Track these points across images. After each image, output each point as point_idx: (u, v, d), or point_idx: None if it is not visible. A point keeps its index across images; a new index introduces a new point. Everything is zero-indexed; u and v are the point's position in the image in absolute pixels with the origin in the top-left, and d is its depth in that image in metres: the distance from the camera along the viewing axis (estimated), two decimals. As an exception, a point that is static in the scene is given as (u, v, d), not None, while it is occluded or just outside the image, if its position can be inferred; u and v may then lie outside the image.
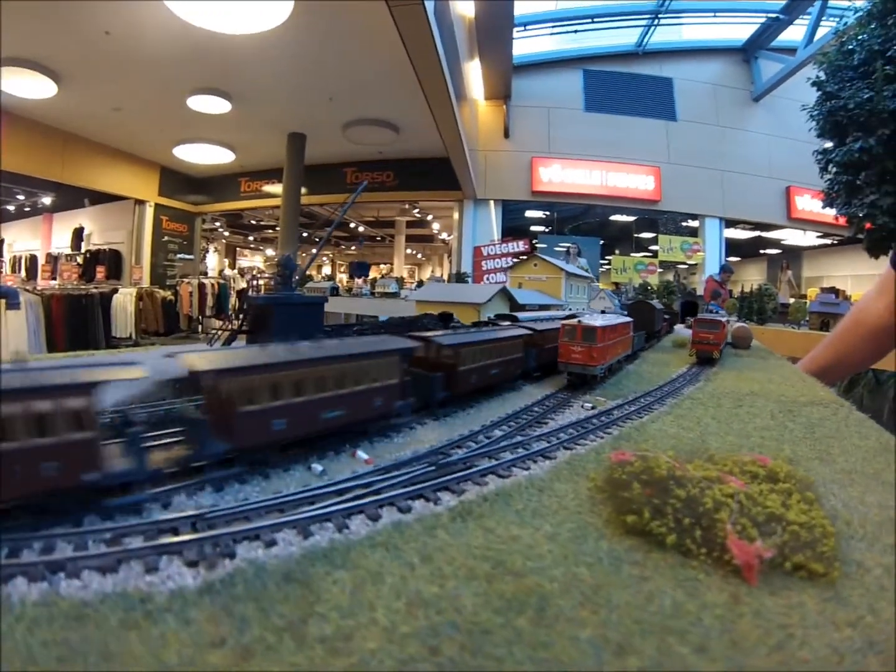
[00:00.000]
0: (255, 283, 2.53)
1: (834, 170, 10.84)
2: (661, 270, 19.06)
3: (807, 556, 0.87)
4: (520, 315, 3.31)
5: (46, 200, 17.93)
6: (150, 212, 18.09)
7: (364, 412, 1.42)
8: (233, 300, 17.16)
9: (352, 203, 2.95)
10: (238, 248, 32.41)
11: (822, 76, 10.63)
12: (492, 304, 4.62)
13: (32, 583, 0.73)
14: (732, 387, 2.66)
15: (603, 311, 4.50)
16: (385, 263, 30.05)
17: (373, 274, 28.15)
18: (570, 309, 6.49)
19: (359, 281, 21.27)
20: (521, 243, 14.89)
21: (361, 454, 1.31)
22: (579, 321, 2.28)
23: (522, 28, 16.72)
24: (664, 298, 10.28)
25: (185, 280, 14.13)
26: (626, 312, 6.48)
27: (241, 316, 2.60)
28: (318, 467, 1.22)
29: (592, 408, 1.97)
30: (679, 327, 6.74)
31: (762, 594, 0.80)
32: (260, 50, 9.78)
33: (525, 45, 17.58)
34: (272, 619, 0.67)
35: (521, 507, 1.04)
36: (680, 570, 0.86)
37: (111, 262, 16.59)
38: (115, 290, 11.88)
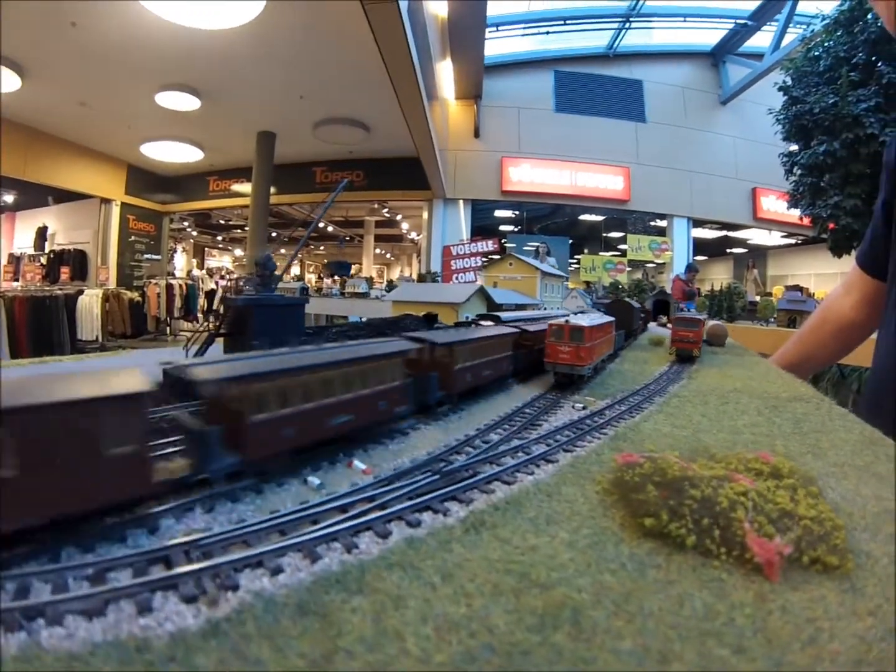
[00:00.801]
0: (239, 283, 2.43)
1: (799, 172, 11.27)
2: (629, 269, 19.41)
3: (822, 549, 0.88)
4: (502, 315, 3.28)
5: (8, 198, 17.26)
6: (116, 211, 17.59)
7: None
8: (201, 301, 16.82)
9: (332, 202, 2.88)
10: (206, 249, 31.82)
11: (789, 81, 11.05)
12: (470, 304, 4.60)
13: (9, 633, 0.63)
14: (715, 384, 2.68)
15: (581, 311, 4.52)
16: (354, 263, 29.90)
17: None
18: (546, 308, 6.52)
19: (328, 281, 21.04)
20: (490, 243, 14.90)
21: (359, 464, 1.25)
22: (567, 320, 2.27)
23: (495, 28, 16.79)
24: (636, 297, 10.41)
25: (153, 281, 13.82)
26: (602, 311, 6.54)
27: (218, 318, 2.48)
28: (314, 480, 1.15)
29: (583, 408, 1.95)
30: (652, 325, 6.83)
31: (785, 590, 0.80)
32: (230, 46, 9.60)
33: (497, 46, 17.68)
34: (291, 659, 0.60)
35: (534, 515, 1.00)
36: (703, 571, 0.85)
37: (76, 262, 16.07)
38: (81, 292, 11.53)
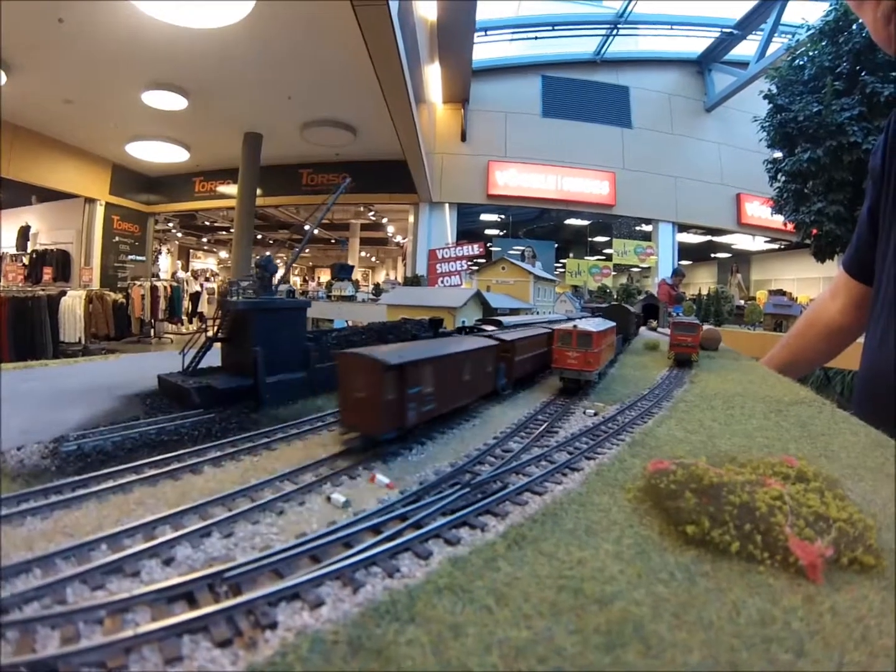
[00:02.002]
0: (234, 287, 2.36)
1: (783, 178, 11.44)
2: (614, 273, 19.53)
3: (860, 550, 0.89)
4: (503, 319, 3.27)
5: (-9, 197, 16.90)
6: (100, 211, 17.32)
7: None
8: (186, 303, 16.61)
9: (334, 202, 2.84)
10: (191, 250, 31.44)
11: (774, 90, 11.23)
12: (467, 308, 4.58)
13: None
14: (717, 388, 2.68)
15: (585, 316, 4.52)
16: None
17: (325, 277, 27.82)
18: (538, 312, 6.52)
19: (312, 284, 20.90)
20: (475, 246, 14.95)
21: (382, 478, 1.20)
22: (575, 326, 2.26)
23: (483, 33, 16.86)
24: (624, 301, 10.48)
25: (137, 282, 13.62)
26: (589, 314, 6.55)
27: (215, 322, 2.38)
28: (339, 498, 1.09)
29: (595, 414, 1.94)
30: (642, 329, 6.86)
31: (829, 591, 0.81)
32: (219, 46, 9.52)
33: (485, 50, 17.71)
34: (355, 705, 0.55)
35: (572, 526, 0.98)
36: (750, 577, 0.84)
37: (59, 262, 15.79)
38: (64, 293, 11.29)
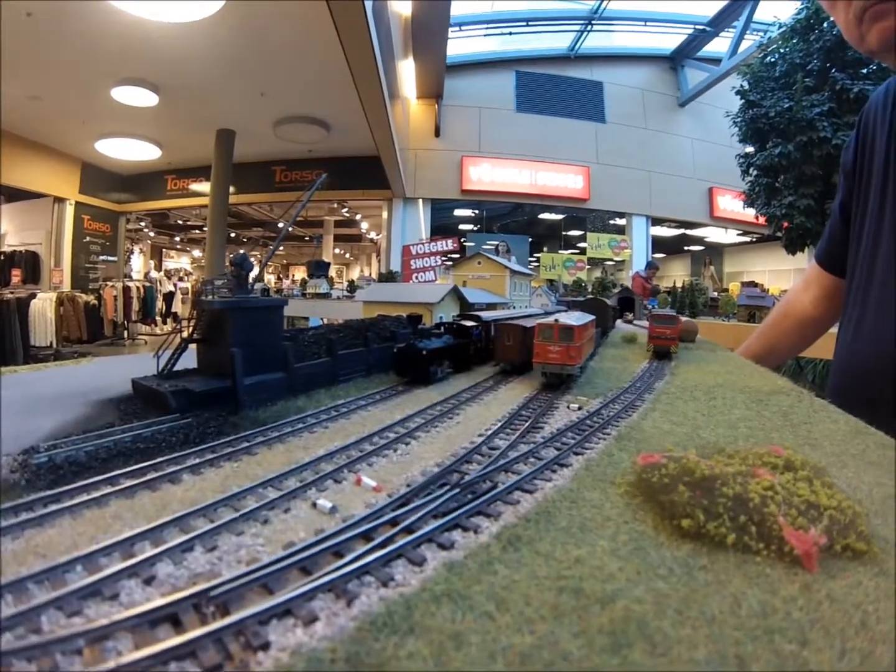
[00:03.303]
0: (209, 286, 2.29)
1: (755, 173, 11.63)
2: (589, 267, 19.72)
3: (852, 537, 0.91)
4: (483, 315, 3.25)
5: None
6: (70, 210, 16.86)
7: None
8: (160, 304, 16.30)
9: (309, 198, 2.78)
10: (164, 250, 30.87)
11: (746, 86, 11.41)
12: (444, 304, 4.54)
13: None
14: (698, 380, 2.70)
15: (563, 309, 4.52)
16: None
17: (300, 274, 27.56)
18: (515, 307, 6.52)
19: (287, 282, 20.68)
20: (449, 242, 14.91)
21: (368, 481, 1.17)
22: (556, 320, 2.25)
23: (457, 28, 16.81)
24: (599, 294, 10.56)
25: (109, 283, 13.31)
26: (565, 308, 6.58)
27: (191, 322, 2.30)
28: (325, 504, 1.05)
29: (579, 408, 1.93)
30: (618, 322, 6.91)
31: (825, 579, 0.82)
32: (190, 40, 9.33)
33: (459, 46, 17.67)
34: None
35: (566, 524, 0.96)
36: (747, 568, 0.85)
37: (28, 264, 15.33)
38: (34, 296, 10.97)
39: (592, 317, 2.95)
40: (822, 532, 0.90)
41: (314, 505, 1.08)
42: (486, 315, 3.30)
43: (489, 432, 1.58)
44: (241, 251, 2.34)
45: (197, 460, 1.32)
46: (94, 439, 1.41)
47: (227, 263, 2.59)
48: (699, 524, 0.93)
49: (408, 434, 1.55)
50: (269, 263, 35.37)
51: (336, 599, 0.74)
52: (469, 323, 2.86)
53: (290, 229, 26.90)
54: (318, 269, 18.72)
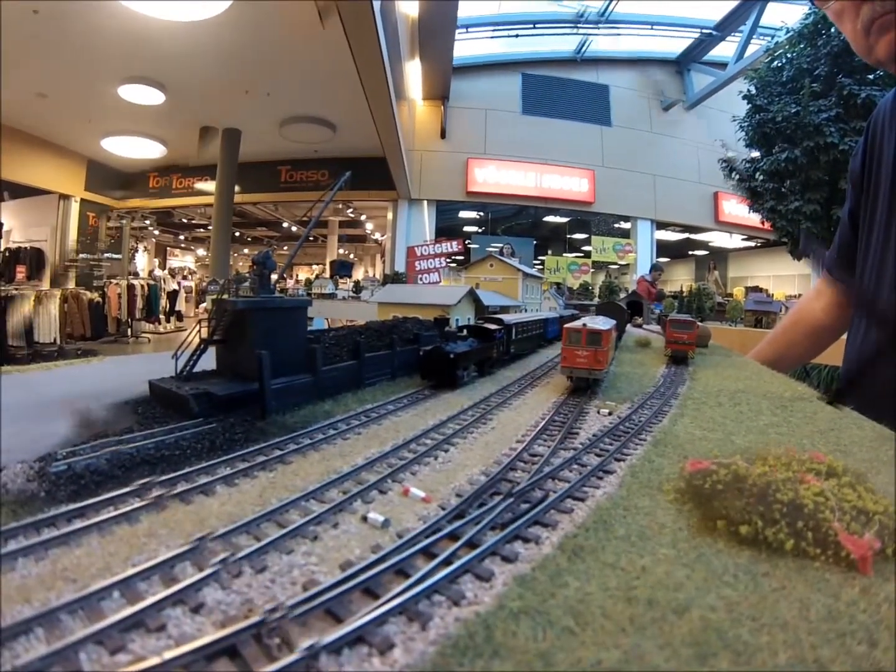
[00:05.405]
0: (229, 285, 2.26)
1: (761, 177, 11.58)
2: (593, 271, 19.66)
3: None
4: (504, 318, 3.25)
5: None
6: (75, 207, 16.75)
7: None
8: (163, 302, 16.29)
9: (333, 196, 2.77)
10: (168, 248, 30.84)
11: (753, 90, 11.38)
12: (461, 306, 4.54)
13: None
14: (719, 385, 2.70)
15: (588, 315, 4.50)
16: (317, 264, 29.45)
17: (304, 274, 27.51)
18: (527, 309, 6.52)
19: (290, 282, 20.66)
20: (454, 244, 14.88)
21: (416, 491, 1.13)
22: (584, 324, 2.25)
23: (464, 30, 16.79)
24: (607, 298, 10.56)
25: (114, 281, 13.30)
26: (575, 311, 6.57)
27: (211, 322, 2.24)
28: (377, 517, 1.00)
29: (609, 413, 1.92)
30: (627, 327, 6.91)
31: (881, 582, 0.83)
32: (197, 40, 9.34)
33: (466, 47, 17.66)
34: None
35: (624, 532, 0.95)
36: (807, 574, 0.85)
37: (33, 261, 15.24)
38: (38, 292, 10.95)
39: (615, 322, 2.95)
40: (874, 536, 0.91)
41: (364, 519, 1.03)
42: (507, 318, 3.30)
43: (527, 438, 1.57)
44: (266, 250, 2.31)
45: (229, 470, 1.26)
46: (114, 445, 1.34)
47: (250, 263, 2.55)
48: (757, 531, 0.94)
49: (445, 441, 1.54)
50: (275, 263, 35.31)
51: (409, 623, 0.70)
52: (492, 326, 2.85)
53: (293, 230, 26.79)
54: (343, 269, 18.68)
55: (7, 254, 15.56)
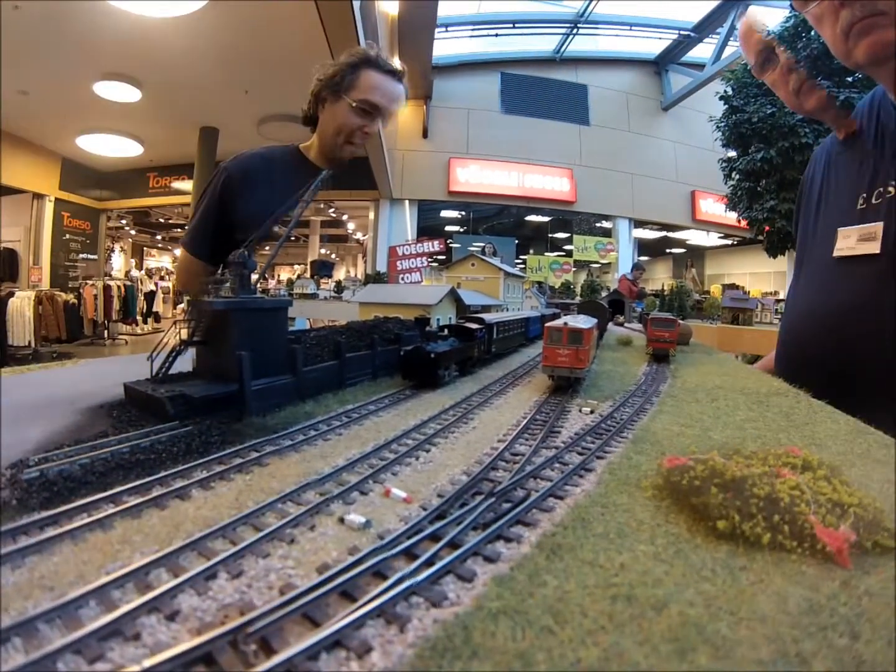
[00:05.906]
0: (212, 286, 2.22)
1: (737, 177, 11.77)
2: (575, 269, 19.81)
3: (881, 533, 0.93)
4: (486, 317, 3.25)
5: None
6: (49, 207, 16.43)
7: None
8: (140, 303, 16.05)
9: (312, 197, 2.73)
10: (145, 248, 30.39)
11: (730, 91, 11.54)
12: (442, 306, 4.54)
13: None
14: (698, 382, 2.74)
15: (569, 314, 4.54)
16: (299, 264, 29.30)
17: (286, 274, 27.33)
18: (507, 308, 6.54)
19: (272, 282, 20.47)
20: (436, 243, 14.90)
21: (398, 492, 1.13)
22: (566, 323, 2.26)
23: (444, 29, 16.78)
24: (588, 297, 10.63)
25: (89, 282, 13.07)
26: (557, 310, 6.60)
27: (189, 324, 2.19)
28: (357, 518, 0.99)
29: (591, 412, 1.94)
30: (609, 325, 6.96)
31: (860, 574, 0.84)
32: (175, 36, 9.20)
33: (446, 46, 17.66)
34: None
35: (603, 530, 0.96)
36: (784, 567, 0.86)
37: (6, 262, 14.93)
38: (11, 294, 10.71)
39: (595, 320, 2.97)
40: (850, 529, 0.93)
41: (341, 520, 1.02)
42: (488, 317, 3.31)
43: (508, 438, 1.57)
44: (243, 250, 2.27)
45: (205, 473, 1.23)
46: (88, 451, 1.29)
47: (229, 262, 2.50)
48: (734, 525, 0.95)
49: (427, 441, 1.53)
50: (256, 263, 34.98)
51: (387, 625, 0.69)
52: (474, 325, 2.85)
53: (275, 230, 26.62)
54: (324, 269, 18.49)
55: (-20, 254, 15.25)
